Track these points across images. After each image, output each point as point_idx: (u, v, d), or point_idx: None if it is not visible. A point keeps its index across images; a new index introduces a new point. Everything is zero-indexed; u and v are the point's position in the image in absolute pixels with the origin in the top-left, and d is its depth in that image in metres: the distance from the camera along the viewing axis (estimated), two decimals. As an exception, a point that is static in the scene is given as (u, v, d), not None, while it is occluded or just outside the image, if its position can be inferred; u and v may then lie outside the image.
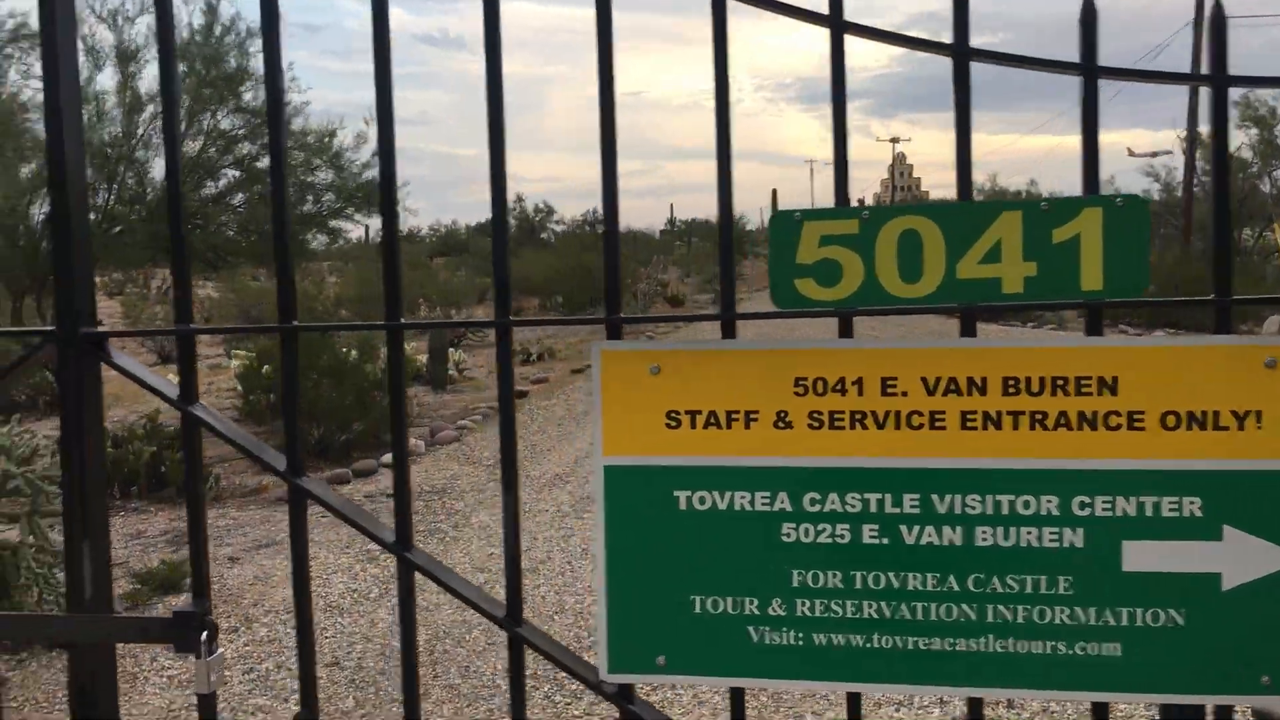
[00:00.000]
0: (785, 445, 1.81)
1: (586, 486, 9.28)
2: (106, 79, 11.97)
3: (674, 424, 1.84)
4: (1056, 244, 1.70)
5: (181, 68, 12.23)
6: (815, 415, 1.79)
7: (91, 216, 10.78)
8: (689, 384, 1.83)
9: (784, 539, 1.82)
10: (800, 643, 1.82)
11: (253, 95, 11.80)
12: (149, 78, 11.94)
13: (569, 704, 5.01)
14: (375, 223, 14.51)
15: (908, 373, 1.77)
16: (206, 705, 1.99)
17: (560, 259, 30.68)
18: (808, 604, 1.81)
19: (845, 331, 1.87)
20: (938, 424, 1.76)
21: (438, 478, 10.08)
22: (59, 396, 2.03)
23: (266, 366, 13.03)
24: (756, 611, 1.83)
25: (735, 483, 1.83)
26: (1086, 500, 1.72)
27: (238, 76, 11.63)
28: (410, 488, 1.99)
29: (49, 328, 1.99)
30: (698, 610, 1.85)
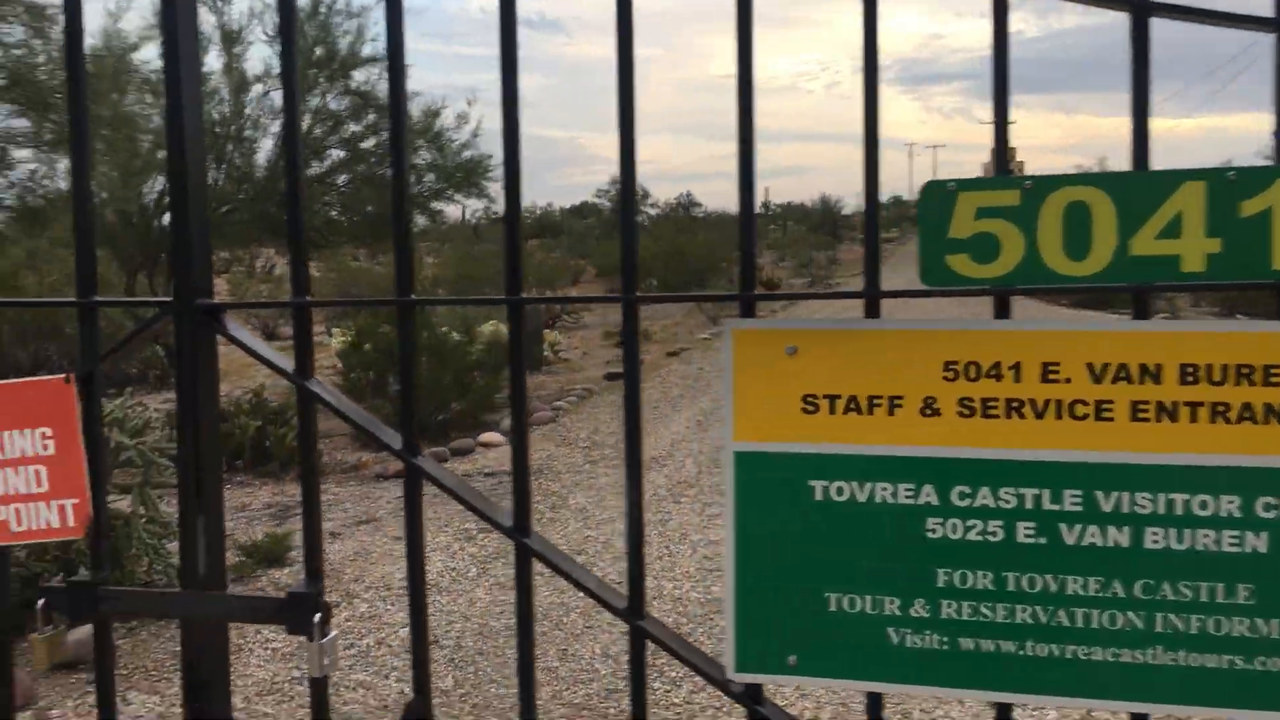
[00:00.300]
0: (932, 434, 1.68)
1: (683, 470, 9.19)
2: (212, 60, 12.16)
3: (811, 408, 1.72)
4: (1244, 218, 1.54)
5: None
6: (966, 402, 1.66)
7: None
8: (828, 366, 1.71)
9: (929, 535, 1.69)
10: (945, 647, 1.69)
11: (364, 76, 11.92)
12: (255, 58, 12.10)
13: (668, 691, 4.93)
14: (473, 203, 14.57)
15: (1071, 357, 1.63)
16: (318, 688, 1.93)
17: (654, 241, 30.59)
18: (954, 606, 1.68)
19: (1002, 312, 1.73)
20: (1104, 414, 1.61)
21: (534, 458, 10.07)
22: (173, 369, 1.99)
23: (368, 344, 13.20)
24: (897, 612, 1.70)
25: (876, 473, 1.70)
26: (1273, 502, 1.56)
27: (349, 59, 11.74)
28: (529, 472, 1.91)
29: (166, 299, 1.95)
30: (833, 608, 1.73)
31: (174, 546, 6.53)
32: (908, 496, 1.69)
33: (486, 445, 10.67)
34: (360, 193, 12.23)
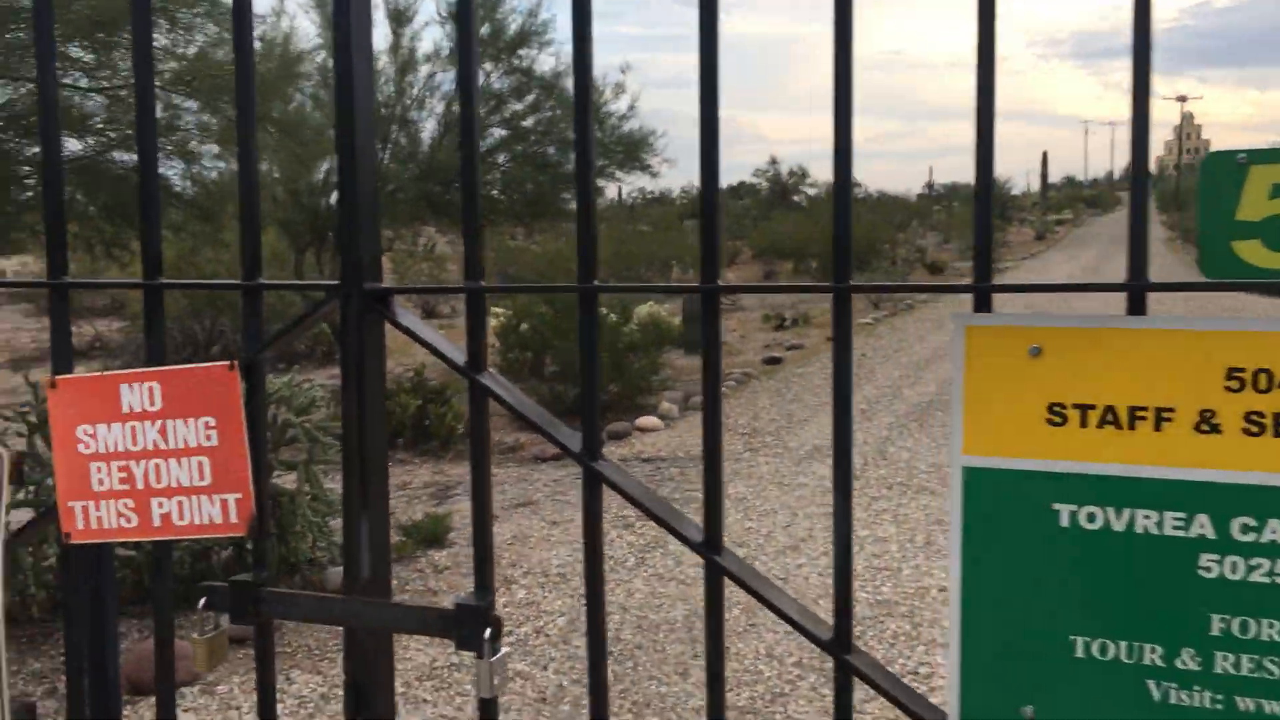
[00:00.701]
0: (1210, 454, 1.40)
1: (847, 461, 8.87)
2: (379, 39, 12.32)
3: (1058, 420, 1.47)
4: None
5: (452, 28, 12.47)
6: (1255, 418, 1.38)
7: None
8: (1080, 370, 1.46)
9: (1202, 574, 1.42)
10: (1219, 706, 1.42)
11: (527, 54, 11.92)
12: (425, 39, 12.22)
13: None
14: (631, 180, 14.43)
15: (1396, 368, 1.34)
16: (488, 710, 1.78)
17: (813, 222, 30.01)
18: (1231, 659, 1.41)
19: (1302, 311, 1.45)
20: None
21: (692, 444, 9.89)
22: (339, 354, 1.85)
23: (524, 324, 13.25)
24: (1160, 662, 1.44)
25: (1138, 498, 1.44)
26: None
27: (517, 39, 11.74)
28: (722, 480, 1.70)
29: (333, 282, 1.81)
30: (1079, 654, 1.48)
31: (337, 524, 6.59)
32: (1176, 528, 1.42)
33: (643, 430, 10.54)
34: (522, 172, 12.23)
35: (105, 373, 1.92)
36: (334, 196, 12.54)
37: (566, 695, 4.84)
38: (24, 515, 2.99)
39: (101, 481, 1.93)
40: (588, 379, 1.74)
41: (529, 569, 6.51)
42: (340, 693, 4.86)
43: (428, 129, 12.98)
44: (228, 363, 1.84)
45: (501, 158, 12.61)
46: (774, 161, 57.29)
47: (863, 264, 26.09)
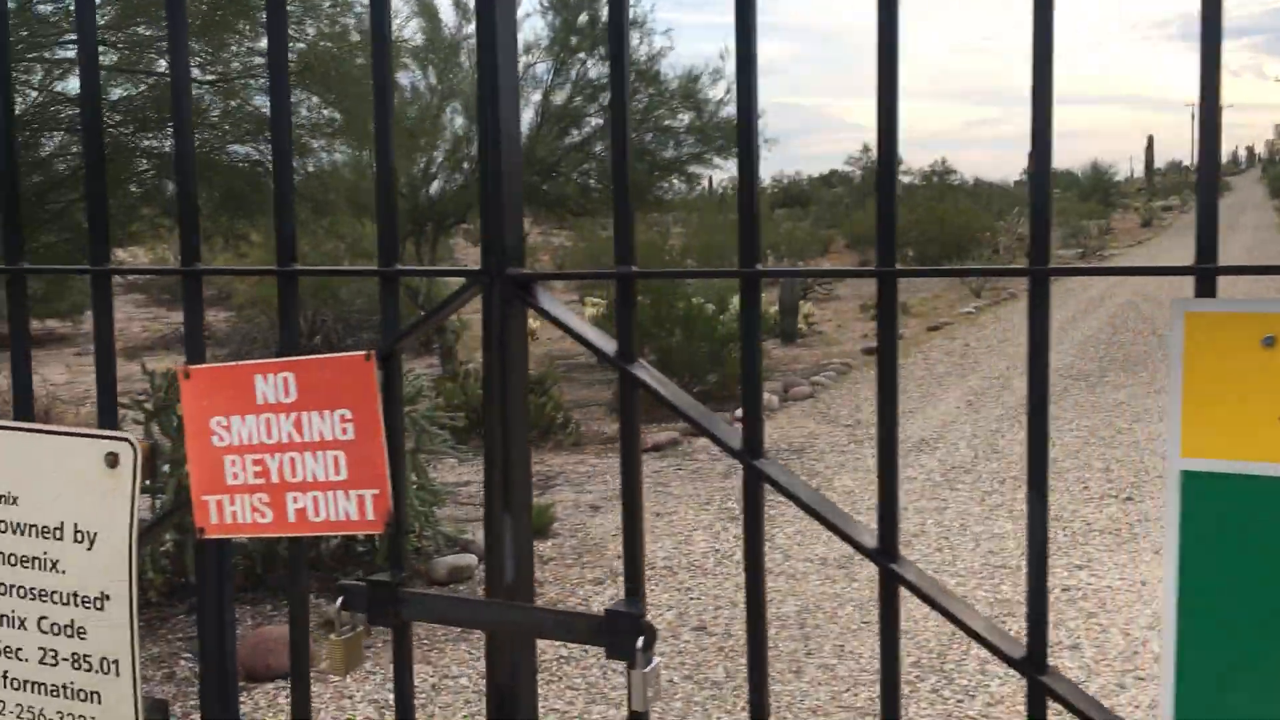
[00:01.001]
0: None
1: (957, 454, 8.63)
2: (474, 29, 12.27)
3: (1295, 420, 1.30)
4: None
5: (552, 18, 12.42)
6: None
7: (464, 165, 11.04)
8: (1322, 364, 1.29)
9: None
10: None
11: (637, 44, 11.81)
12: (522, 28, 12.20)
13: (955, 694, 4.50)
14: (728, 166, 14.22)
15: None
16: (640, 724, 1.66)
17: (910, 210, 29.45)
18: None
19: None
20: None
21: (794, 436, 9.73)
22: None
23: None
24: None
25: (1390, 508, 1.27)
26: None
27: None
28: (897, 483, 1.57)
29: (474, 267, 1.72)
30: (1318, 682, 1.31)
31: (443, 514, 6.58)
32: None
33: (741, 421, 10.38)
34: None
35: (239, 363, 1.85)
36: (434, 187, 12.59)
37: (678, 692, 4.73)
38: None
39: (236, 475, 1.86)
40: (747, 369, 1.61)
41: (635, 562, 6.41)
42: (450, 684, 4.82)
43: (525, 120, 12.94)
44: (364, 353, 1.76)
45: (599, 147, 12.53)
46: (867, 149, 56.36)
47: (963, 252, 25.54)
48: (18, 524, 1.98)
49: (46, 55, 6.88)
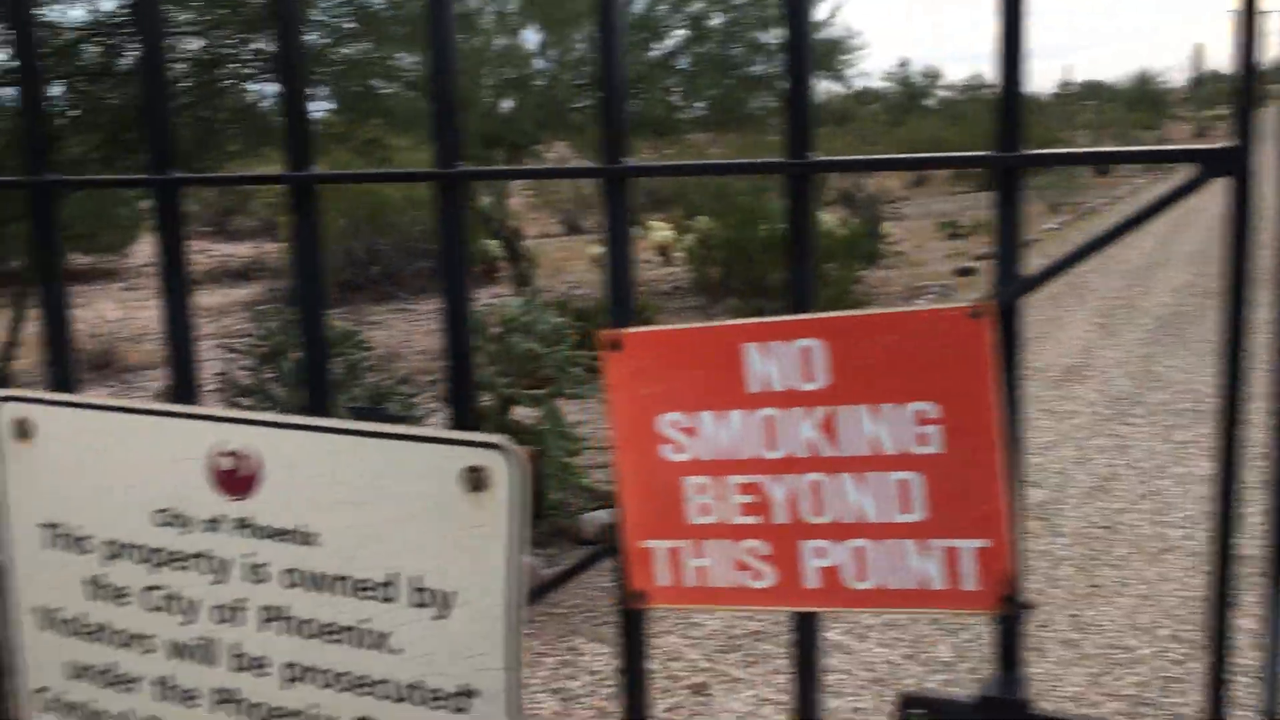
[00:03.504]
0: None
1: (1116, 384, 7.84)
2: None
3: None
4: None
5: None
6: None
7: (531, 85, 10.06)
8: None
9: None
10: None
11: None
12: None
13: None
14: (824, 87, 13.27)
15: None
16: None
17: (950, 129, 28.25)
18: None
19: None
20: None
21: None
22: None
23: (695, 237, 12.40)
24: None
25: None
26: None
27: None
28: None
29: (1193, 147, 0.97)
30: None
31: (582, 463, 5.88)
32: None
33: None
34: (706, 76, 11.22)
35: (714, 323, 1.11)
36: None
37: (903, 673, 4.06)
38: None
39: (706, 509, 1.13)
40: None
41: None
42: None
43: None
44: (969, 305, 1.01)
45: (682, 61, 11.60)
46: (904, 64, 54.82)
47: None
48: (319, 576, 1.26)
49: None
